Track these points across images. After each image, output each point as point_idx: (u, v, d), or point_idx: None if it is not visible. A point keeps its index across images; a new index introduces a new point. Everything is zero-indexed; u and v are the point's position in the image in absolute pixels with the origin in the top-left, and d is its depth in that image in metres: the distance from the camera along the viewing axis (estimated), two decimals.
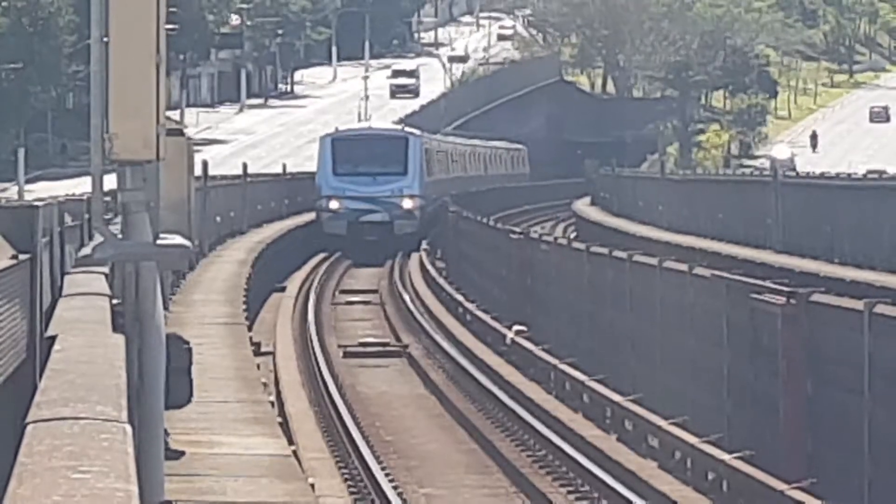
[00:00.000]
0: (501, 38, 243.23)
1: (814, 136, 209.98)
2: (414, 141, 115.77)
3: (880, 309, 35.37)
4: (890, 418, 33.91)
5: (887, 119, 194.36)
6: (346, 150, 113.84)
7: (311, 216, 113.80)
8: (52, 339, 15.09)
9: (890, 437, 33.77)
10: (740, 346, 41.61)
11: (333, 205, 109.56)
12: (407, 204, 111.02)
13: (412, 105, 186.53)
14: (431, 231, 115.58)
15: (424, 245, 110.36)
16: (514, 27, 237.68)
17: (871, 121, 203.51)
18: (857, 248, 61.67)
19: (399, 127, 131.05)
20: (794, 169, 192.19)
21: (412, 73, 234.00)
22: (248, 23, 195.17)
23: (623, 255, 56.02)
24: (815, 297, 39.34)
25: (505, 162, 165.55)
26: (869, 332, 34.86)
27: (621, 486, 38.72)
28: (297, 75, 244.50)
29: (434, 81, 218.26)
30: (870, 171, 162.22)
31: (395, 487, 37.79)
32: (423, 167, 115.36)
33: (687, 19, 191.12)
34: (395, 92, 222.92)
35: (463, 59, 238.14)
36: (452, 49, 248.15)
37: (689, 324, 45.49)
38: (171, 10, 17.07)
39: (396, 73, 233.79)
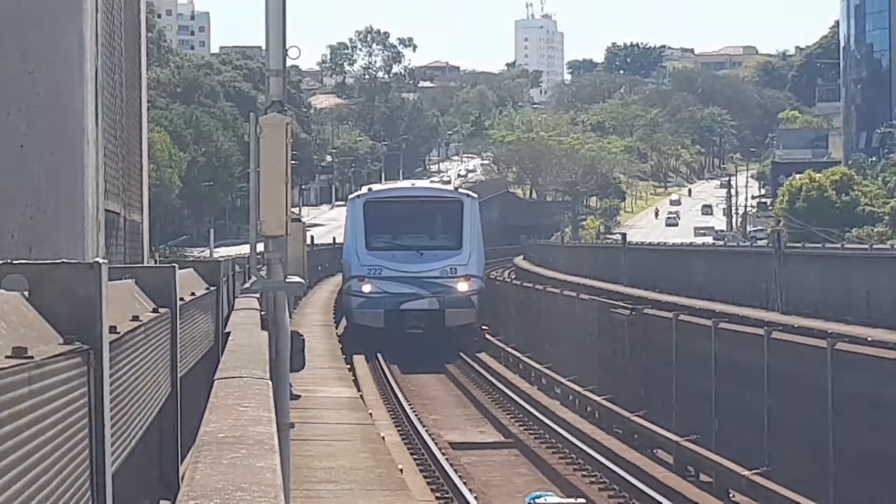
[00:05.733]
0: (469, 171, 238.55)
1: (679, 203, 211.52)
2: (470, 204, 60.79)
3: (683, 317, 36.64)
4: (689, 379, 34.42)
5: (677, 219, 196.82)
6: (384, 216, 59.33)
7: None
8: (228, 333, 14.92)
9: (690, 387, 34.54)
10: (606, 337, 42.47)
11: (366, 288, 57.10)
12: (462, 287, 57.33)
13: None
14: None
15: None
16: (481, 164, 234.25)
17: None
18: (671, 285, 62.61)
19: (450, 187, 76.15)
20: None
21: None
22: (336, 160, 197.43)
23: (540, 287, 57.45)
24: (646, 310, 41.05)
25: None
26: (676, 332, 35.81)
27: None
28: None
29: None
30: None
31: (416, 415, 38.06)
32: (481, 239, 61.28)
33: (576, 157, 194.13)
34: None
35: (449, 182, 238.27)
36: (447, 175, 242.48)
37: (578, 325, 46.24)
38: (294, 152, 17.62)
39: None
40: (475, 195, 64.82)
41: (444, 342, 56.02)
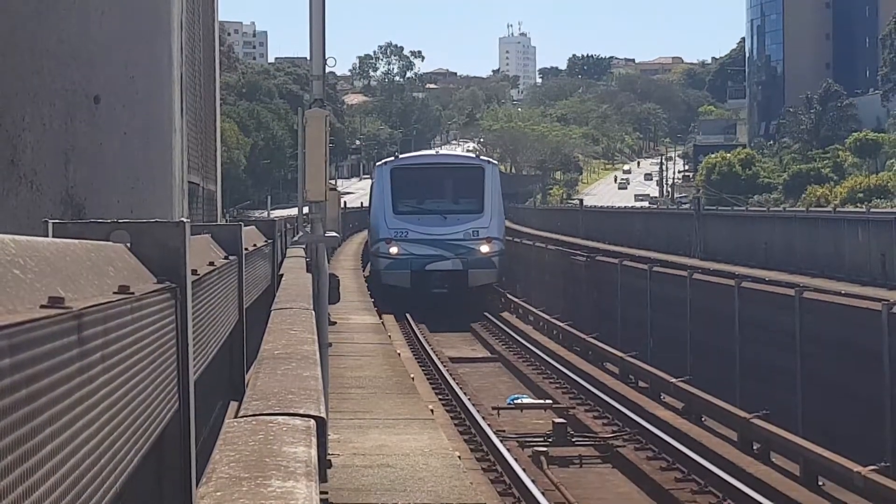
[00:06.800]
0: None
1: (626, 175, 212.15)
2: (491, 171, 49.43)
3: (625, 263, 36.94)
4: (630, 310, 34.77)
5: (627, 183, 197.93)
6: (409, 182, 48.44)
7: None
8: (281, 275, 14.23)
9: (631, 316, 34.92)
10: (568, 278, 42.84)
11: (393, 250, 46.79)
12: (484, 248, 46.59)
13: None
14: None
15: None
16: (473, 147, 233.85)
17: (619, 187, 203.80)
18: (617, 238, 62.52)
19: (472, 154, 61.77)
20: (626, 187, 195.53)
21: None
22: (363, 144, 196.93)
23: (518, 240, 57.50)
24: (598, 258, 41.27)
25: None
26: (620, 274, 36.10)
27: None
28: None
29: None
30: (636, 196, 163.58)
31: (423, 337, 38.22)
32: (501, 203, 49.91)
33: (545, 141, 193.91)
34: None
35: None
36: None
37: (548, 269, 46.38)
38: (331, 137, 17.38)
39: None
40: (496, 162, 52.57)
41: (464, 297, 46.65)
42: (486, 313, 46.23)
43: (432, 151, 63.31)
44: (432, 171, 49.62)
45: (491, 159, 51.58)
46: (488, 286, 48.35)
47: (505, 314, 46.73)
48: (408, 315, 43.01)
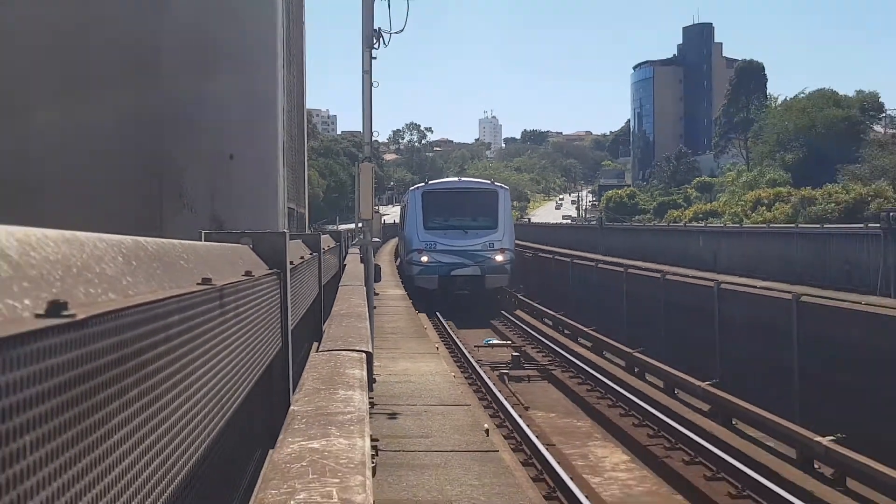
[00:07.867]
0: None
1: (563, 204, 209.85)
2: (503, 194, 37.83)
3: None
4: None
5: (561, 204, 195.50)
6: (437, 203, 37.62)
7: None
8: (345, 265, 15.14)
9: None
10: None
11: (424, 258, 35.53)
12: (499, 258, 35.23)
13: None
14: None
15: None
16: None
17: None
18: (549, 242, 59.08)
19: (488, 181, 42.32)
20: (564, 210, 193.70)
21: None
22: (395, 184, 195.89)
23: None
24: (539, 254, 39.17)
25: None
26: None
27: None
28: None
29: None
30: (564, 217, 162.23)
31: (446, 318, 32.75)
32: (512, 221, 38.74)
33: (507, 183, 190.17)
34: None
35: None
36: None
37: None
38: (375, 181, 16.57)
39: None
40: (507, 187, 41.31)
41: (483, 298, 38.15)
42: (502, 311, 36.68)
43: (455, 178, 51.13)
44: (456, 194, 39.95)
45: (504, 185, 41.45)
46: (501, 288, 38.01)
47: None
48: (438, 314, 34.94)
